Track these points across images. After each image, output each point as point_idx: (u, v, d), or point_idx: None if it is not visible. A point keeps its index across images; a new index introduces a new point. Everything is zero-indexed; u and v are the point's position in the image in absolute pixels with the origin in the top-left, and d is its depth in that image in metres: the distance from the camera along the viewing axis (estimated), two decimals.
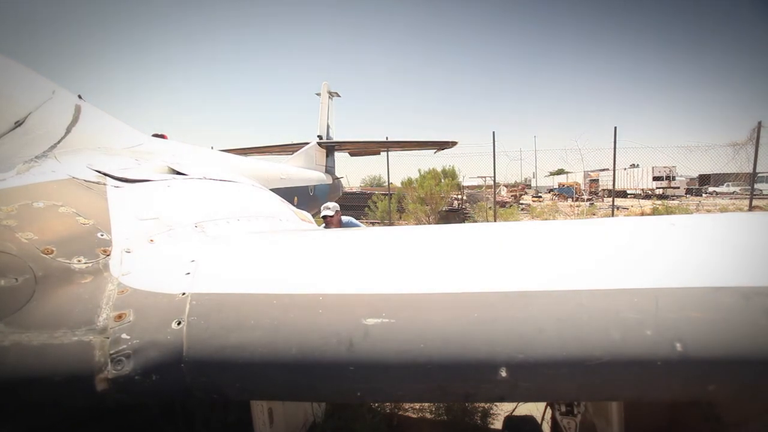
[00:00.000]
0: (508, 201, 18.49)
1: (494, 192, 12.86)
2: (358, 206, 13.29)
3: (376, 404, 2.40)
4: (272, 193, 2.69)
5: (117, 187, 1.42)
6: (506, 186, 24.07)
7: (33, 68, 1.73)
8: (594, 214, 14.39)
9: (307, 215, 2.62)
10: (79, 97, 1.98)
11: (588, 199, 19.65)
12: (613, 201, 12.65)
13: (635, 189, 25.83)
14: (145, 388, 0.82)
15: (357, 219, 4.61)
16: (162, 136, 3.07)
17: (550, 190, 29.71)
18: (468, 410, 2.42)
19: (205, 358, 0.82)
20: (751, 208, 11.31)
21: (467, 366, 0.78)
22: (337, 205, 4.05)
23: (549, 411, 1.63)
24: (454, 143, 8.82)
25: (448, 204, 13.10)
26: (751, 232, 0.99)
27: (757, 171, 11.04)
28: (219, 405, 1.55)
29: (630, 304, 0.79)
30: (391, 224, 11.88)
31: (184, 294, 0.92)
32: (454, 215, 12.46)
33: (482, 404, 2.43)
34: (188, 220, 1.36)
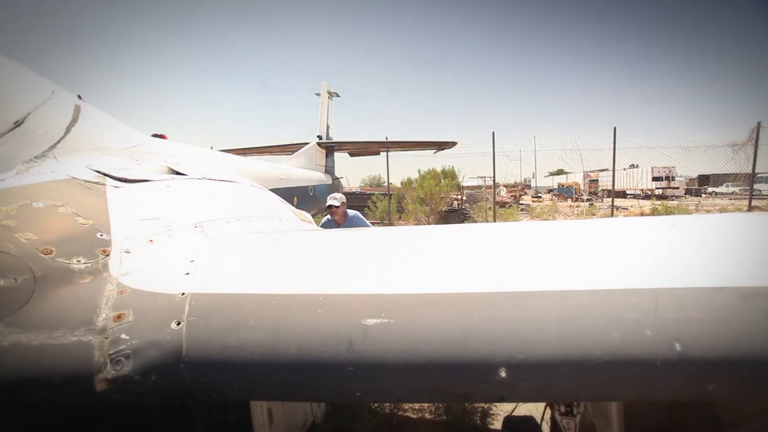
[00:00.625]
0: (507, 201, 18.50)
1: (494, 192, 12.87)
2: (357, 206, 13.25)
3: (376, 404, 2.40)
4: (272, 193, 2.69)
5: (116, 187, 1.42)
6: (506, 186, 24.09)
7: (33, 68, 1.73)
8: (593, 215, 14.40)
9: (307, 215, 2.62)
10: (79, 97, 1.98)
11: (587, 200, 19.66)
12: (612, 201, 12.66)
13: (635, 189, 25.86)
14: (144, 388, 0.82)
15: None
16: (161, 136, 3.07)
17: (550, 191, 29.74)
18: (468, 410, 2.42)
19: (205, 358, 0.82)
20: (750, 208, 11.32)
21: (467, 366, 0.78)
22: (344, 196, 3.97)
23: (548, 411, 1.63)
24: (453, 143, 8.83)
25: (448, 204, 13.10)
26: (750, 232, 0.99)
27: (756, 171, 11.06)
28: (218, 405, 1.55)
29: (629, 305, 0.79)
30: (390, 224, 11.88)
31: (183, 294, 0.92)
32: (453, 215, 12.46)
33: (482, 404, 2.43)
34: (188, 221, 1.36)
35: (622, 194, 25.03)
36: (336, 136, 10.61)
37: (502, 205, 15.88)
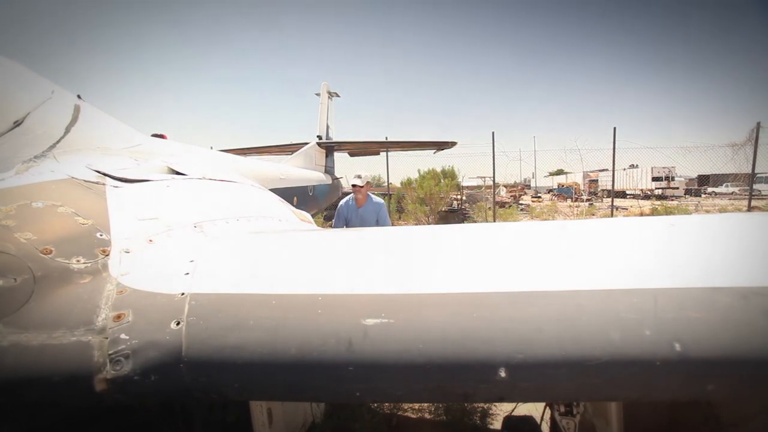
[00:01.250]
0: (507, 201, 18.50)
1: (494, 192, 12.87)
2: None
3: (376, 404, 2.40)
4: (271, 193, 2.69)
5: (116, 187, 1.42)
6: (505, 186, 24.09)
7: (33, 68, 1.73)
8: (593, 215, 14.40)
9: (307, 215, 2.62)
10: (79, 97, 1.98)
11: (587, 200, 19.67)
12: (612, 201, 12.67)
13: (634, 189, 25.88)
14: (144, 388, 0.82)
15: None
16: (161, 136, 3.07)
17: (550, 191, 29.74)
18: (467, 410, 2.42)
19: (204, 358, 0.82)
20: (749, 208, 11.33)
21: (466, 366, 0.78)
22: (369, 175, 3.74)
23: (548, 411, 1.63)
24: (453, 143, 8.83)
25: (448, 204, 13.10)
26: (749, 232, 0.99)
27: (755, 171, 11.08)
28: (218, 405, 1.55)
29: (629, 305, 0.79)
30: (390, 224, 11.85)
31: (183, 294, 0.92)
32: (453, 215, 12.46)
33: (481, 404, 2.43)
34: (187, 220, 1.36)
35: (622, 194, 25.05)
36: (336, 136, 10.61)
37: (502, 205, 15.89)
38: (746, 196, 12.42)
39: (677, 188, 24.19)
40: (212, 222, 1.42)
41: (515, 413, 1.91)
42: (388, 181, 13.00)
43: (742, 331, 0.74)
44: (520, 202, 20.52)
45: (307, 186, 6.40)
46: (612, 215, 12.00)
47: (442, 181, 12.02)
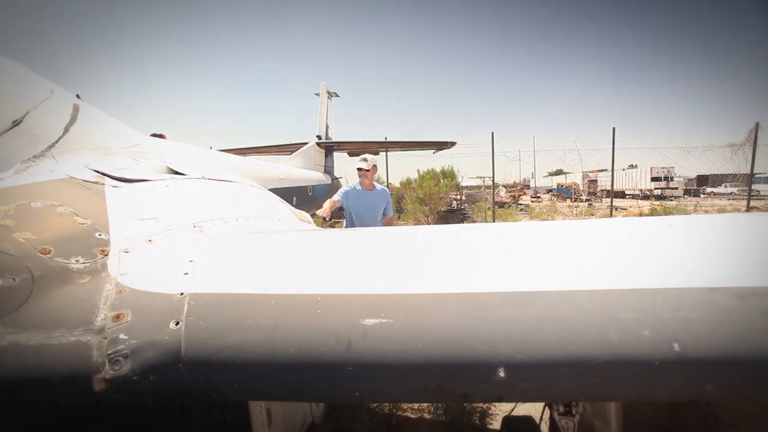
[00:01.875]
0: (506, 201, 18.52)
1: (493, 192, 12.88)
2: None
3: (375, 404, 2.40)
4: (271, 193, 2.69)
5: (115, 186, 1.42)
6: (505, 186, 24.11)
7: (32, 68, 1.73)
8: (592, 215, 14.42)
9: (306, 215, 2.62)
10: (78, 96, 1.98)
11: (586, 200, 19.69)
12: (611, 201, 12.68)
13: (633, 189, 25.91)
14: (143, 388, 0.82)
15: None
16: (160, 136, 3.07)
17: (549, 191, 29.76)
18: (466, 410, 2.42)
19: (204, 358, 0.82)
20: (748, 208, 11.36)
21: (466, 366, 0.78)
22: (375, 158, 3.43)
23: (547, 411, 1.64)
24: (453, 143, 8.83)
25: (447, 204, 13.11)
26: (748, 232, 1.00)
27: (754, 172, 11.11)
28: (217, 405, 1.55)
29: (628, 305, 0.79)
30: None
31: (182, 294, 0.92)
32: (452, 215, 12.47)
33: (481, 404, 2.43)
34: (186, 220, 1.35)
35: (621, 194, 25.08)
36: (335, 136, 10.61)
37: (501, 205, 15.90)
38: (745, 197, 12.45)
39: (676, 188, 24.23)
40: (211, 222, 1.42)
41: (514, 413, 1.92)
42: (387, 181, 13.00)
43: (741, 331, 0.74)
44: (520, 202, 20.54)
45: (306, 186, 6.40)
46: (611, 215, 12.01)
47: (441, 181, 12.02)
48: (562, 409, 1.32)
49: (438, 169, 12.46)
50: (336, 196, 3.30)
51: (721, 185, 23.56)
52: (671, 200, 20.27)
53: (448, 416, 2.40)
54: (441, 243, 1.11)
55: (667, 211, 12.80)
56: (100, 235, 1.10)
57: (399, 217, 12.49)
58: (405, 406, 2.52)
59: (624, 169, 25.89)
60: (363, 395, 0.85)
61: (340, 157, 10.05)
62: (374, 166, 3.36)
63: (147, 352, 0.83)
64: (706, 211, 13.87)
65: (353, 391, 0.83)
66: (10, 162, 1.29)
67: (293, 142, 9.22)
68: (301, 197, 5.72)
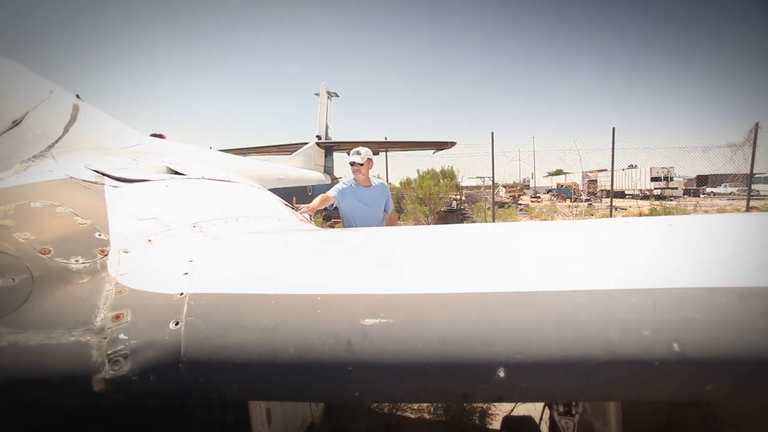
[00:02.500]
0: (506, 201, 18.52)
1: (493, 192, 12.88)
2: None
3: (375, 404, 2.40)
4: (271, 193, 2.69)
5: (115, 186, 1.42)
6: (505, 186, 24.11)
7: (32, 68, 1.73)
8: (592, 215, 14.42)
9: (306, 215, 2.62)
10: (77, 96, 1.98)
11: (586, 200, 19.69)
12: (611, 201, 12.68)
13: (633, 189, 25.93)
14: (142, 388, 0.82)
15: None
16: (160, 136, 3.07)
17: (549, 191, 29.77)
18: (466, 410, 2.42)
19: (203, 358, 0.82)
20: (748, 208, 11.36)
21: (465, 366, 0.78)
22: (370, 152, 3.12)
23: (547, 411, 1.64)
24: (452, 143, 8.84)
25: (447, 204, 13.10)
26: (748, 232, 1.00)
27: (754, 172, 11.12)
28: (217, 405, 1.55)
29: (628, 305, 0.79)
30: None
31: (182, 294, 0.92)
32: (452, 216, 12.47)
33: (480, 404, 2.43)
34: (186, 220, 1.35)
35: (621, 194, 25.09)
36: (335, 136, 10.61)
37: (501, 205, 15.90)
38: (745, 197, 12.46)
39: (676, 188, 24.25)
40: (211, 222, 1.42)
41: (514, 413, 1.92)
42: (387, 181, 13.00)
43: (741, 331, 0.74)
44: (520, 202, 20.54)
45: (306, 186, 6.41)
46: (611, 215, 12.01)
47: (441, 181, 12.01)
48: (561, 409, 1.32)
49: (438, 169, 12.46)
50: (331, 192, 3.06)
51: (720, 185, 23.57)
52: (671, 200, 20.27)
53: (447, 416, 2.40)
54: (441, 243, 1.11)
55: (666, 211, 12.80)
56: (99, 235, 1.10)
57: (399, 218, 12.49)
58: (405, 406, 2.52)
59: (624, 169, 25.92)
60: (362, 395, 0.84)
61: (340, 157, 10.05)
62: (369, 159, 3.08)
63: (147, 352, 0.83)
64: (706, 211, 13.88)
65: (353, 391, 0.83)
66: (10, 162, 1.29)
67: (293, 142, 9.22)
68: (301, 197, 5.72)
